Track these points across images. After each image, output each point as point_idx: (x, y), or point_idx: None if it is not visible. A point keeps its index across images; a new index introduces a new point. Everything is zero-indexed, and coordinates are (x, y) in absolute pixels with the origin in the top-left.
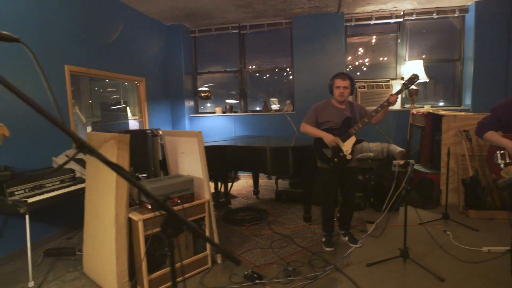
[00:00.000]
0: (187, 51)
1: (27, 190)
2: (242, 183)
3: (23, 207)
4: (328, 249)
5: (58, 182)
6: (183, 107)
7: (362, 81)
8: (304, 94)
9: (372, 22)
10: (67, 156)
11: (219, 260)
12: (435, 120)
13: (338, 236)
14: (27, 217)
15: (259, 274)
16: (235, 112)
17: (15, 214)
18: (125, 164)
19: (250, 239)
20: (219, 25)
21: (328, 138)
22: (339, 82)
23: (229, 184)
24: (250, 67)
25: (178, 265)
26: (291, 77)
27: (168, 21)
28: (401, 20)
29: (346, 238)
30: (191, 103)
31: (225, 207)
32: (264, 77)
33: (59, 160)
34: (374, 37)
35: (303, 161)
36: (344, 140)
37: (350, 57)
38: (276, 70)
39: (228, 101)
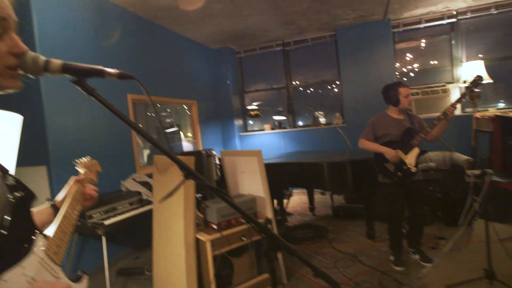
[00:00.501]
0: (233, 72)
1: (102, 213)
2: (296, 200)
3: (101, 229)
4: (398, 268)
5: (127, 205)
6: (233, 126)
7: (414, 88)
8: (354, 105)
9: (422, 25)
10: (133, 179)
11: (284, 280)
12: (505, 123)
13: (408, 254)
14: (103, 238)
15: None
16: (284, 128)
17: (90, 235)
18: (191, 185)
19: (312, 258)
20: (263, 43)
21: (390, 154)
22: (407, 91)
23: (284, 201)
24: (295, 82)
25: (244, 285)
26: (336, 89)
27: (215, 45)
28: (454, 20)
29: (417, 256)
30: (240, 121)
31: (282, 225)
32: (309, 91)
33: (127, 183)
34: (424, 41)
35: (362, 175)
36: (406, 152)
37: (398, 64)
38: (322, 84)
39: (275, 117)
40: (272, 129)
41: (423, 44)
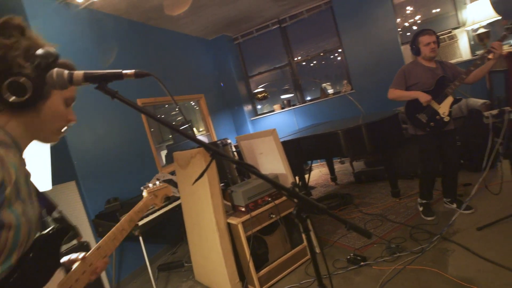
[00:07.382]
0: (234, 59)
1: None
2: (316, 173)
3: (137, 229)
4: (428, 218)
5: None
6: (243, 112)
7: None
8: (361, 70)
9: None
10: (157, 179)
11: (317, 250)
12: None
13: (440, 204)
14: (140, 238)
15: (362, 256)
16: (293, 105)
17: (128, 237)
18: (214, 172)
19: (342, 225)
20: (259, 25)
21: (423, 97)
22: (427, 39)
23: (306, 176)
24: (297, 58)
25: (281, 260)
26: (339, 58)
27: (211, 35)
28: None
29: (454, 205)
30: (249, 107)
31: None
32: (312, 64)
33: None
34: None
35: (379, 136)
36: (440, 102)
37: (399, 19)
38: (324, 54)
39: (283, 96)
40: (282, 108)
41: None
